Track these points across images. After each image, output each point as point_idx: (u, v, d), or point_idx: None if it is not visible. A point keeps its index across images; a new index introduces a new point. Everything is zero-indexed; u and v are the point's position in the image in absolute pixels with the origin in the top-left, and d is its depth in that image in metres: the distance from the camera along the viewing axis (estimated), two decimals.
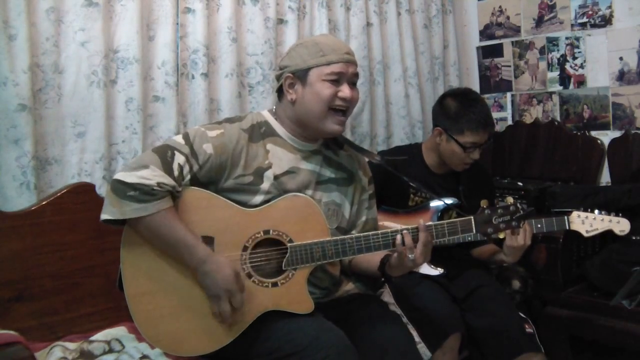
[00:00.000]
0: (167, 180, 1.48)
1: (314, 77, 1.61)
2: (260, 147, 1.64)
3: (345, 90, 1.61)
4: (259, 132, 1.66)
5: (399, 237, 1.56)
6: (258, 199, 1.60)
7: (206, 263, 1.49)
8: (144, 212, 1.45)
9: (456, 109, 2.15)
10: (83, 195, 1.92)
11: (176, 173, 1.51)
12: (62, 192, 1.90)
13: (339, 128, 1.64)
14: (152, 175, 1.46)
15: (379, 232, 1.59)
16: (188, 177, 1.54)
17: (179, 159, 1.52)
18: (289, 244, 1.57)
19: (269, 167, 1.63)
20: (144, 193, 1.45)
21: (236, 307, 1.50)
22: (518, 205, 1.69)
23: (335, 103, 1.62)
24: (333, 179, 1.73)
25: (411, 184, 1.91)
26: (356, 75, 1.67)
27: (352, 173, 1.79)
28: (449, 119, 2.16)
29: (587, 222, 1.89)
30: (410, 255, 1.55)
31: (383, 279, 1.82)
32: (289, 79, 1.65)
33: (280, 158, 1.65)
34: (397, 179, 1.87)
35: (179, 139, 1.57)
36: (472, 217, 1.65)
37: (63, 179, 1.98)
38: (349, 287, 1.81)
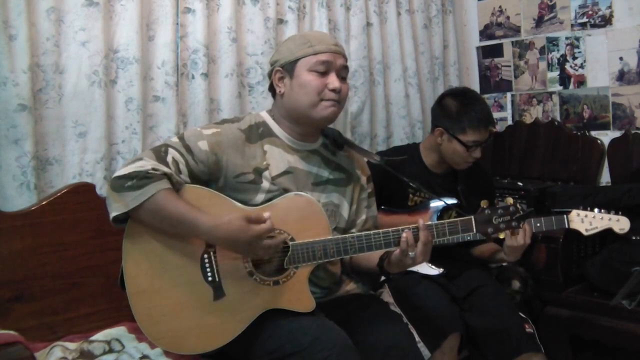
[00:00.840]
0: (162, 167, 1.51)
1: (301, 68, 1.62)
2: (258, 148, 1.65)
3: (333, 81, 1.62)
4: (257, 133, 1.67)
5: (404, 234, 1.56)
6: (259, 197, 1.61)
7: (217, 229, 1.47)
8: (144, 195, 1.46)
9: (457, 108, 2.15)
10: (83, 195, 1.93)
11: (171, 166, 1.53)
12: (62, 192, 1.90)
13: (331, 111, 1.64)
14: (146, 164, 1.50)
15: (380, 231, 1.60)
16: (185, 171, 1.55)
17: (173, 153, 1.55)
18: (290, 243, 1.57)
19: (267, 167, 1.63)
20: (140, 178, 1.47)
21: (269, 235, 1.48)
22: (518, 205, 1.69)
23: (326, 96, 1.62)
24: (331, 179, 1.74)
25: (411, 184, 1.92)
26: (345, 68, 1.67)
27: (350, 173, 1.79)
28: (450, 118, 2.16)
29: (587, 221, 1.88)
30: (410, 253, 1.56)
31: (383, 278, 1.82)
32: (279, 72, 1.66)
33: (277, 159, 1.66)
34: (396, 179, 1.87)
35: (174, 138, 1.62)
36: (472, 217, 1.65)
37: (63, 179, 1.98)
38: (350, 287, 1.81)
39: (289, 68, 1.64)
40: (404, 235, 1.56)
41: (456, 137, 2.13)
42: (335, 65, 1.64)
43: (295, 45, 1.65)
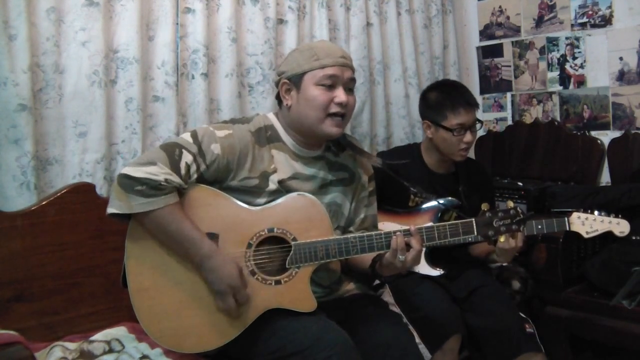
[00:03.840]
0: (174, 177, 1.50)
1: (307, 82, 1.61)
2: (266, 152, 1.65)
3: (340, 95, 1.60)
4: (265, 136, 1.66)
5: (394, 238, 1.57)
6: (262, 200, 1.61)
7: (211, 259, 1.50)
8: (152, 206, 1.46)
9: (436, 98, 2.21)
10: (83, 195, 1.92)
11: (183, 171, 1.51)
12: (62, 192, 1.90)
13: (337, 130, 1.63)
14: (159, 172, 1.47)
15: (382, 232, 1.60)
16: (195, 176, 1.55)
17: (187, 157, 1.52)
18: (292, 242, 1.57)
19: (274, 171, 1.63)
20: (151, 188, 1.46)
21: (241, 302, 1.52)
22: (518, 209, 1.70)
23: (332, 110, 1.61)
24: (335, 180, 1.74)
25: (412, 188, 1.93)
26: (352, 80, 1.66)
27: (353, 172, 1.79)
28: (431, 108, 2.21)
29: (587, 223, 1.89)
30: (400, 257, 1.56)
31: (377, 280, 1.82)
32: (285, 84, 1.65)
33: (283, 164, 1.66)
34: (397, 180, 1.87)
35: (187, 137, 1.57)
36: (473, 220, 1.66)
37: (64, 179, 1.98)
38: (350, 286, 1.81)
39: (295, 81, 1.63)
40: (394, 238, 1.57)
41: (440, 124, 2.15)
42: (342, 78, 1.62)
43: (302, 58, 1.63)
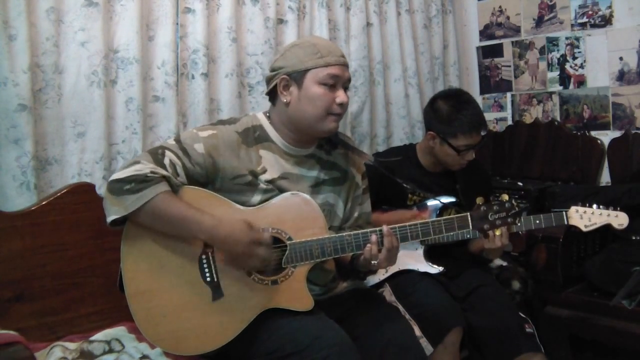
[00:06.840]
0: (160, 170, 1.51)
1: (310, 80, 1.59)
2: (253, 152, 1.64)
3: (342, 96, 1.61)
4: (253, 137, 1.66)
5: (368, 247, 1.57)
6: (256, 198, 1.61)
7: (219, 226, 1.49)
8: (144, 199, 1.46)
9: (448, 113, 2.13)
10: (83, 195, 1.92)
11: (168, 168, 1.53)
12: (62, 192, 1.90)
13: (335, 125, 1.64)
14: (144, 167, 1.49)
15: (376, 229, 1.60)
16: (182, 173, 1.55)
17: (170, 155, 1.54)
18: (288, 242, 1.57)
19: (264, 171, 1.63)
20: (139, 182, 1.47)
21: (268, 245, 1.50)
22: (513, 202, 1.69)
23: (335, 111, 1.61)
24: (327, 180, 1.74)
25: (404, 184, 1.92)
26: (349, 80, 1.67)
27: (346, 171, 1.79)
28: (441, 122, 2.15)
29: (586, 217, 1.88)
30: (374, 262, 1.58)
31: (358, 276, 1.84)
32: (284, 80, 1.62)
33: (272, 164, 1.65)
34: (392, 179, 1.87)
35: (170, 140, 1.61)
36: (468, 214, 1.66)
37: (63, 179, 1.99)
38: (346, 282, 1.81)
39: (296, 77, 1.61)
40: (367, 246, 1.57)
41: (447, 141, 2.12)
42: (343, 78, 1.62)
43: (304, 54, 1.61)
